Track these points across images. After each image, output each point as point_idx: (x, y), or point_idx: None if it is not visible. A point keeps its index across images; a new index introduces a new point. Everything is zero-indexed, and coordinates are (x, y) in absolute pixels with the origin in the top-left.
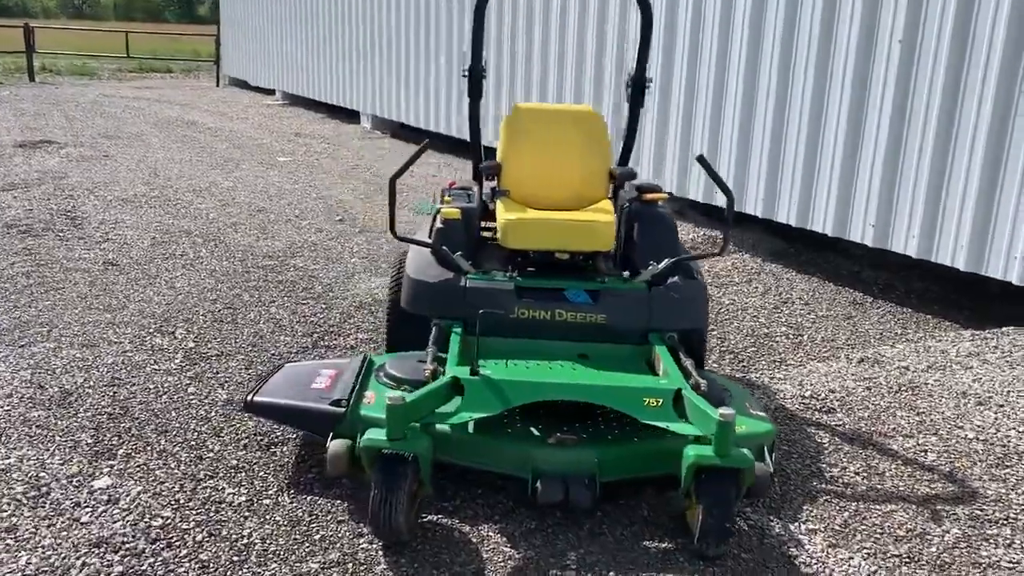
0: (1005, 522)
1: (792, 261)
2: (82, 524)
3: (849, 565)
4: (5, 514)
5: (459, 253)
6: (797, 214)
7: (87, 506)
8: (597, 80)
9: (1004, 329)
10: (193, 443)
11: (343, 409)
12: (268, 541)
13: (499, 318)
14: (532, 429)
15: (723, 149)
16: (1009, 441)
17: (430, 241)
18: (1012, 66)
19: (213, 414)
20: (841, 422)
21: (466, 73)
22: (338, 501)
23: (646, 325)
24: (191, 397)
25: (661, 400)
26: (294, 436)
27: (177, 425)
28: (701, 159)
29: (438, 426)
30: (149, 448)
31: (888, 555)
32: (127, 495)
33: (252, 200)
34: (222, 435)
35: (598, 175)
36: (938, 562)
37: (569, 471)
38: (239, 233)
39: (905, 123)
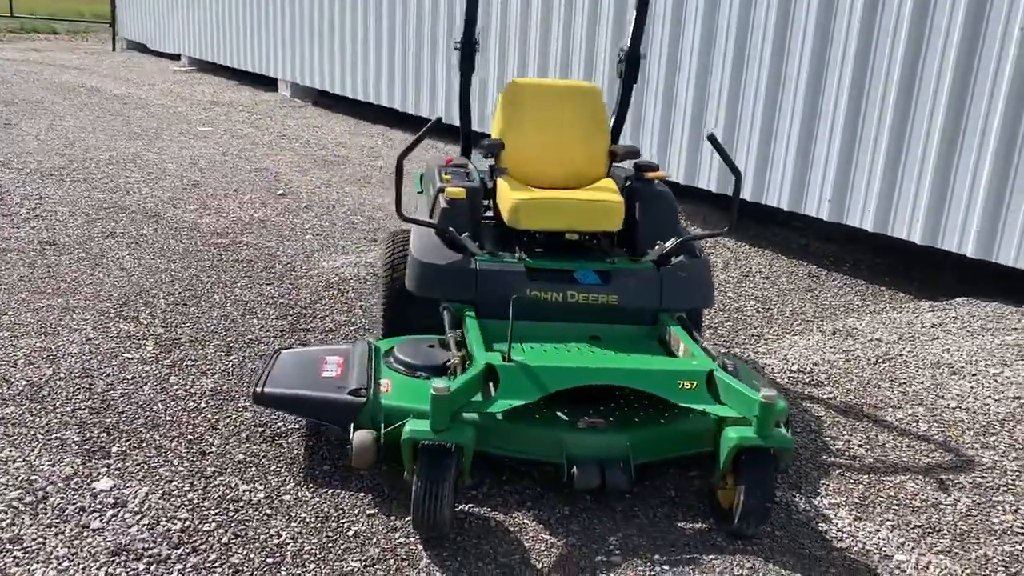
0: (1006, 488)
1: (744, 235)
2: (93, 531)
3: (877, 537)
4: (4, 523)
5: (466, 234)
6: (752, 189)
7: (94, 511)
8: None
9: (958, 300)
10: (191, 437)
11: (364, 399)
12: (300, 540)
13: (509, 301)
14: (559, 414)
15: (676, 123)
16: (989, 409)
17: (435, 222)
18: (971, 45)
19: (204, 405)
20: (832, 395)
21: (458, 45)
22: (361, 494)
23: (657, 305)
24: (175, 387)
25: (695, 382)
26: (296, 426)
27: (168, 419)
28: (712, 138)
29: (466, 415)
30: (144, 445)
31: (911, 526)
32: (135, 497)
33: (183, 173)
34: (219, 427)
35: (599, 153)
36: (957, 531)
37: (603, 455)
38: (179, 209)
39: (863, 99)
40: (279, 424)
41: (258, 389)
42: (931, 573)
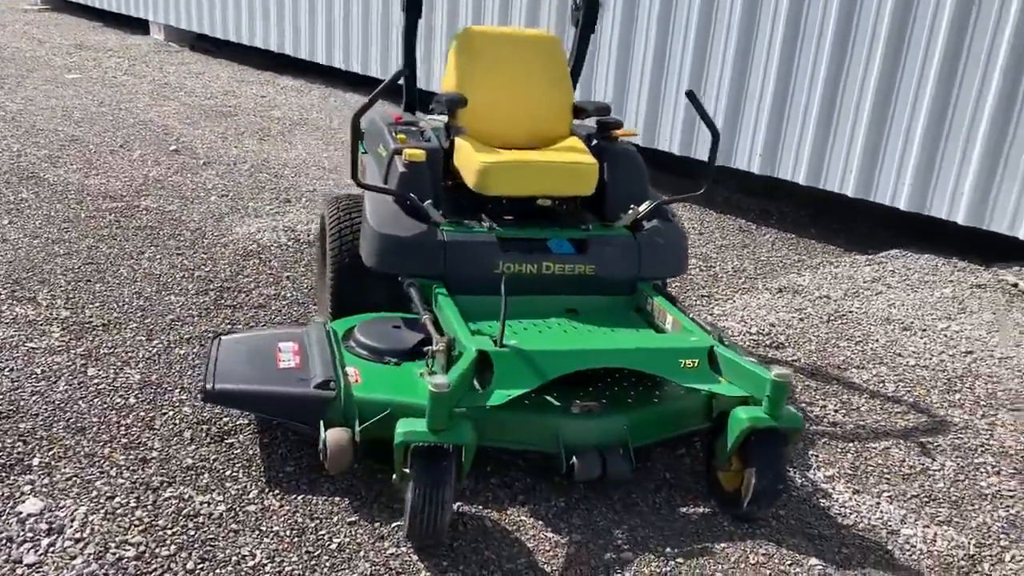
0: (983, 449)
1: (674, 190)
2: (29, 567)
3: (879, 511)
4: None
5: (428, 202)
6: (681, 143)
7: (24, 540)
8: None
9: (892, 252)
10: (126, 441)
11: (333, 392)
12: (278, 559)
13: (481, 274)
14: (547, 398)
15: (599, 74)
16: (946, 366)
17: (392, 188)
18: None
19: (133, 401)
20: (795, 357)
21: None
22: (336, 499)
23: (635, 274)
24: (96, 381)
25: (697, 361)
26: (244, 421)
27: (95, 419)
28: (690, 94)
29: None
30: (72, 453)
31: (907, 496)
32: (72, 520)
33: (58, 127)
34: (157, 427)
35: (563, 109)
36: (951, 498)
37: (601, 442)
38: (61, 168)
39: (796, 53)
40: (224, 420)
41: (208, 385)
42: (940, 546)
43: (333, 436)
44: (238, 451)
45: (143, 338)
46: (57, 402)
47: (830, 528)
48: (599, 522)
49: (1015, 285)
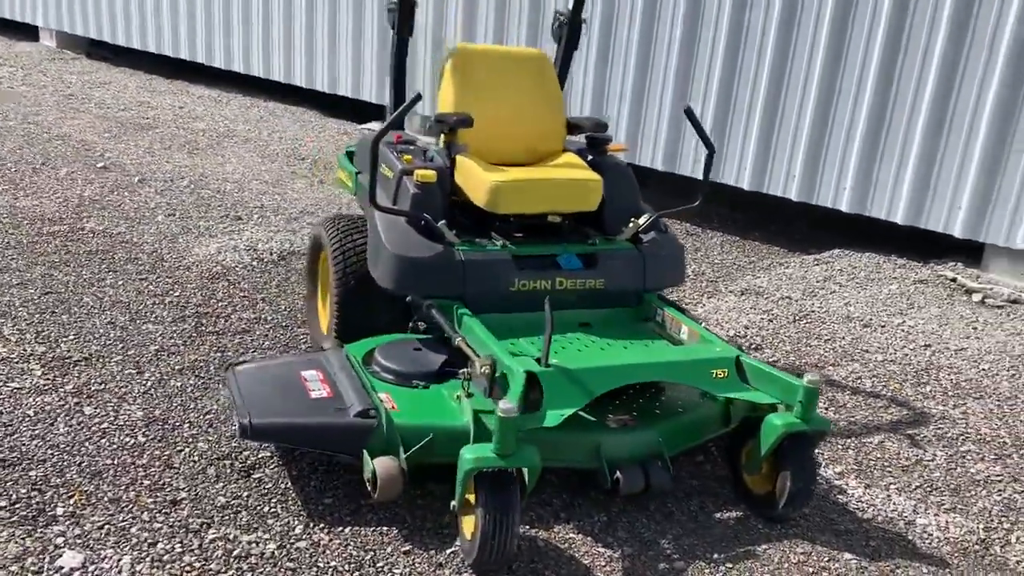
0: (964, 437)
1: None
2: None
3: (892, 504)
4: None
5: (442, 222)
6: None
7: None
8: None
9: (835, 252)
10: (148, 483)
11: (374, 420)
12: None
13: (498, 292)
14: (582, 414)
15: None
16: (911, 360)
17: (406, 209)
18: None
19: (143, 439)
20: (775, 358)
21: (393, 4)
22: (384, 528)
23: (641, 286)
24: (96, 421)
25: (726, 370)
26: (267, 455)
27: (108, 462)
28: (688, 111)
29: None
30: (94, 500)
31: (912, 488)
32: (119, 571)
33: None
34: (177, 466)
35: (558, 125)
36: (950, 486)
37: (640, 454)
38: None
39: (739, 58)
40: (246, 454)
41: (245, 421)
42: (954, 533)
43: (383, 466)
44: (269, 486)
45: (132, 371)
46: (62, 445)
47: (853, 523)
48: (644, 533)
49: (954, 280)
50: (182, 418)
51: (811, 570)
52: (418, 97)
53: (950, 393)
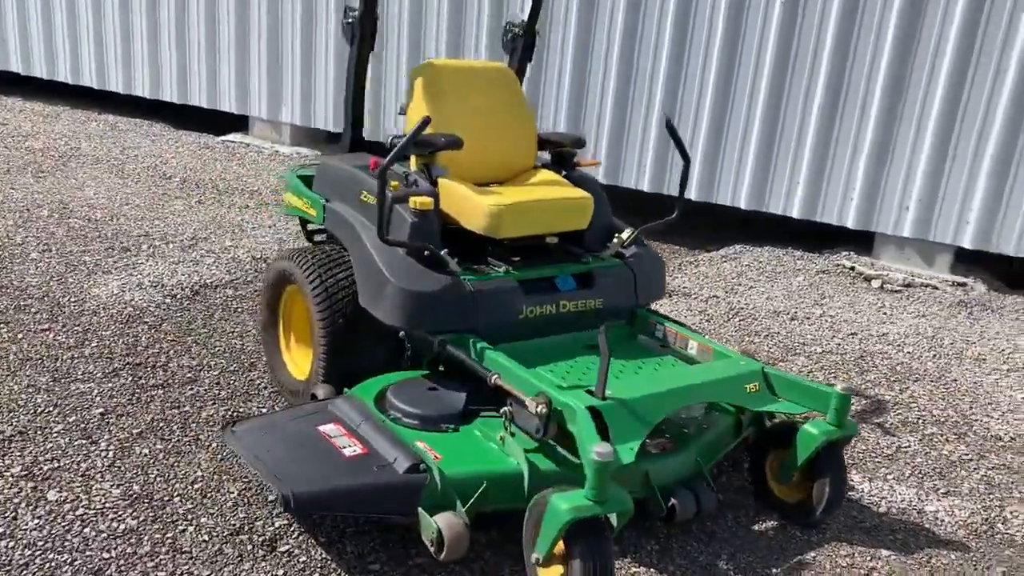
0: (923, 420)
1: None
2: None
3: (897, 494)
4: None
5: (445, 251)
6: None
7: None
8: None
9: (734, 248)
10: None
11: (425, 475)
12: None
13: (508, 321)
14: None
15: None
16: (845, 349)
17: (407, 241)
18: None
19: (134, 523)
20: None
21: (351, 20)
22: None
23: (634, 303)
24: (68, 508)
25: (757, 384)
26: (284, 523)
27: (107, 557)
28: (669, 124)
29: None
30: None
31: (906, 475)
32: None
33: None
34: (187, 549)
35: (531, 141)
36: (936, 470)
37: (687, 477)
38: None
39: (634, 62)
40: (258, 524)
41: (287, 492)
42: (961, 517)
43: (448, 524)
44: (303, 559)
45: (83, 441)
46: (39, 542)
47: (874, 518)
48: (699, 557)
49: (852, 268)
50: (167, 491)
51: (862, 572)
52: (427, 121)
53: (891, 378)
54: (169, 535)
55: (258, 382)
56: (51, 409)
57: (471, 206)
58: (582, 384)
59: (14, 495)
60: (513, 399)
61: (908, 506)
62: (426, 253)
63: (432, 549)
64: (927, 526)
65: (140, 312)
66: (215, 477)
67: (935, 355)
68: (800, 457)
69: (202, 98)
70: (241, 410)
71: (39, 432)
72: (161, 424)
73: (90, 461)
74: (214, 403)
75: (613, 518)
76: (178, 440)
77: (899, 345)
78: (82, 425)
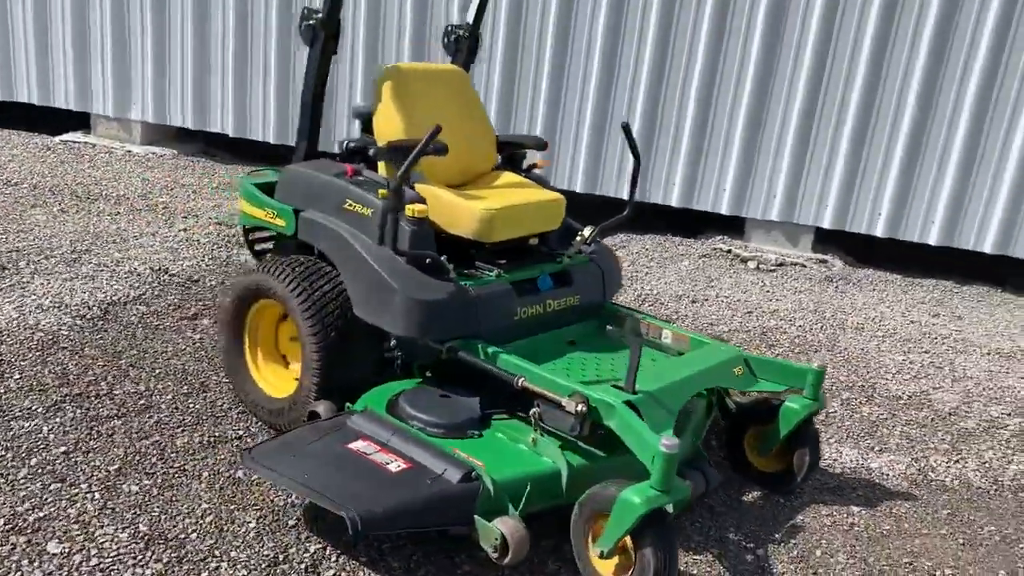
0: (838, 386)
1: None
2: None
3: (845, 455)
4: None
5: (444, 257)
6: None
7: None
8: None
9: (620, 237)
10: None
11: (478, 482)
12: None
13: (506, 324)
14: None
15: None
16: (747, 326)
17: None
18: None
19: (160, 567)
20: None
21: (312, 22)
22: None
23: (602, 297)
24: (78, 560)
25: (742, 367)
26: (318, 547)
27: None
28: (625, 127)
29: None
30: None
31: (845, 438)
32: None
33: None
34: None
35: (490, 143)
36: (864, 431)
37: (689, 457)
38: None
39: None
40: (290, 552)
41: (353, 515)
42: (898, 470)
43: (510, 528)
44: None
45: (60, 484)
46: None
47: (834, 479)
48: (711, 532)
49: (729, 251)
50: (179, 528)
51: (846, 527)
52: (437, 130)
53: (796, 351)
54: (204, 575)
55: (219, 403)
56: (3, 452)
57: (459, 211)
58: (586, 379)
59: (9, 552)
60: (541, 400)
61: (857, 465)
62: (428, 261)
63: (495, 555)
64: (877, 481)
65: (52, 337)
66: (223, 508)
67: (823, 327)
68: (783, 431)
69: (31, 94)
70: (216, 434)
71: (2, 479)
72: (137, 458)
73: (78, 505)
74: (183, 430)
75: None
76: (164, 473)
77: (791, 320)
78: (48, 467)
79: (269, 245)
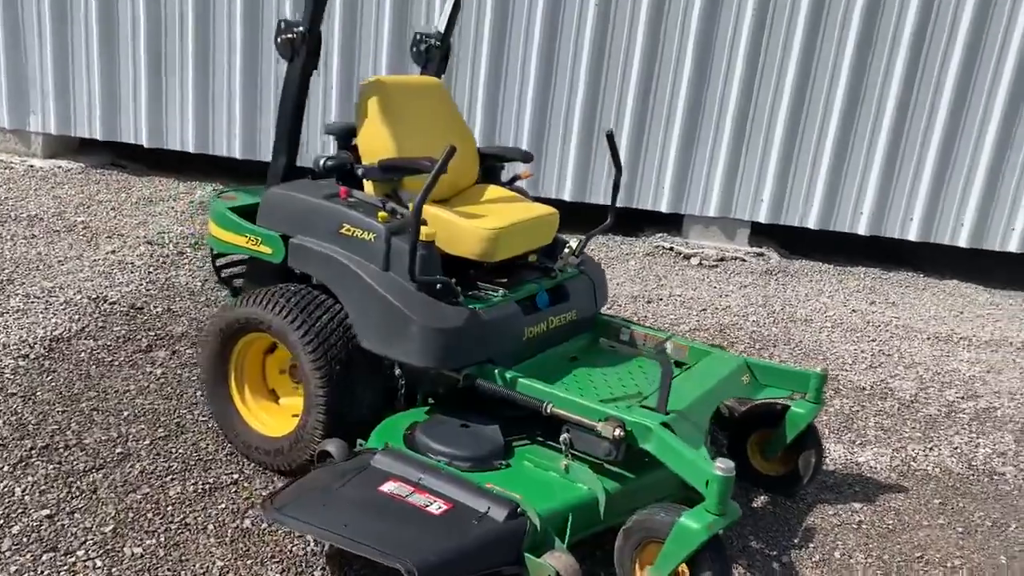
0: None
1: None
2: None
3: (833, 452)
4: None
5: (452, 280)
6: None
7: None
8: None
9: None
10: None
11: (525, 518)
12: None
13: (514, 346)
14: None
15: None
16: (705, 323)
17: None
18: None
19: None
20: None
21: (292, 35)
22: None
23: (594, 310)
24: None
25: (748, 375)
26: None
27: None
28: (610, 135)
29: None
30: None
31: (828, 435)
32: None
33: None
34: None
35: (475, 157)
36: (842, 425)
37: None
38: None
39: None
40: None
41: (410, 567)
42: (884, 462)
43: (563, 564)
44: None
45: (53, 553)
46: None
47: (831, 476)
48: (734, 541)
49: (671, 249)
50: (188, 571)
51: (854, 526)
52: (452, 151)
53: (756, 346)
54: None
55: (202, 445)
56: None
57: (461, 232)
58: (600, 397)
59: None
60: (571, 424)
61: (847, 460)
62: (439, 286)
63: None
64: (868, 475)
65: (13, 372)
66: (239, 563)
67: (774, 320)
68: (789, 435)
69: None
70: (209, 480)
71: None
72: (131, 515)
73: (81, 552)
74: (172, 478)
75: None
76: (165, 530)
77: (743, 315)
78: (34, 535)
79: (240, 269)
